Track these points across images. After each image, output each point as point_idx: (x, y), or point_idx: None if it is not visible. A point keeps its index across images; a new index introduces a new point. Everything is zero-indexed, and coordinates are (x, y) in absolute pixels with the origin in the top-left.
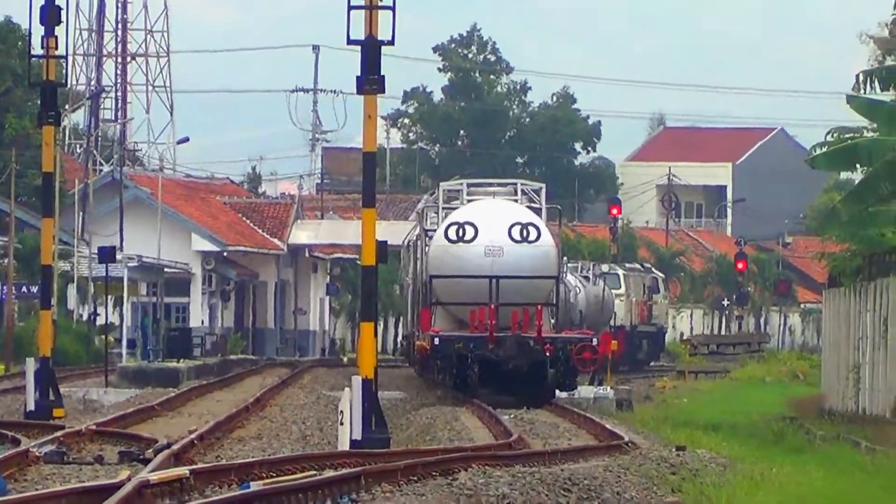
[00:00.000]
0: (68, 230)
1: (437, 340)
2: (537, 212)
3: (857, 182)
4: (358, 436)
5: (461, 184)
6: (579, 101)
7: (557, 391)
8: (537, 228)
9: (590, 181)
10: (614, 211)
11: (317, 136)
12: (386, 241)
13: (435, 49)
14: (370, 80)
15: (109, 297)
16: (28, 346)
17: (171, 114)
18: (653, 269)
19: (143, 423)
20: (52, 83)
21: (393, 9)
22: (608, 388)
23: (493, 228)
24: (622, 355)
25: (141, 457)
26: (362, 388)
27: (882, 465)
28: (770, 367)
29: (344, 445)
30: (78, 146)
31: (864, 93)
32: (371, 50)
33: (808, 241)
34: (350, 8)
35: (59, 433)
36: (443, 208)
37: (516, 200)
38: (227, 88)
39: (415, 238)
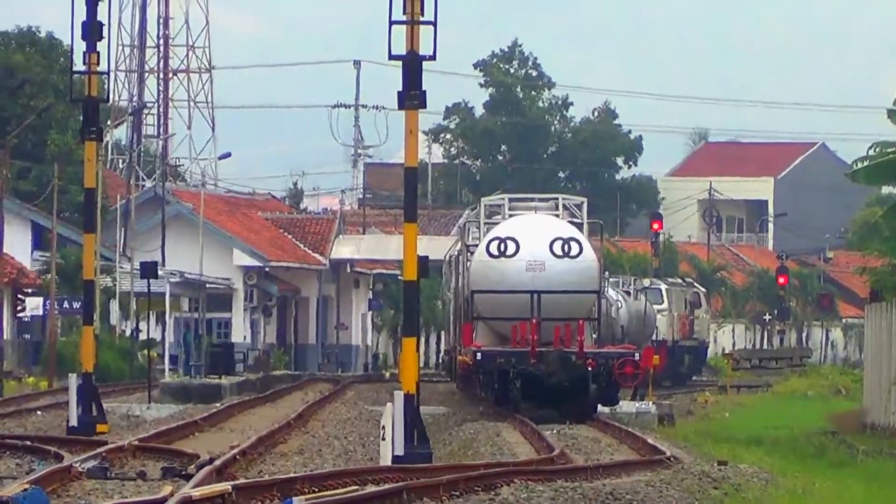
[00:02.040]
0: (110, 246)
1: (479, 355)
2: (579, 227)
3: None
4: (400, 451)
5: (503, 199)
6: (620, 116)
7: (599, 406)
8: (579, 243)
9: (631, 196)
10: (655, 226)
11: (358, 151)
12: (427, 256)
13: (476, 64)
14: (411, 96)
15: (151, 312)
16: (70, 362)
17: (213, 129)
18: (694, 284)
19: (186, 439)
20: (94, 99)
21: (434, 24)
22: (650, 402)
23: (535, 243)
24: (664, 370)
25: (183, 472)
26: (404, 403)
27: None
28: (812, 381)
29: (386, 460)
30: (120, 162)
31: None
32: (412, 65)
33: (850, 256)
34: (391, 23)
35: (101, 449)
36: (484, 223)
37: (558, 215)
38: (269, 104)
39: (456, 253)
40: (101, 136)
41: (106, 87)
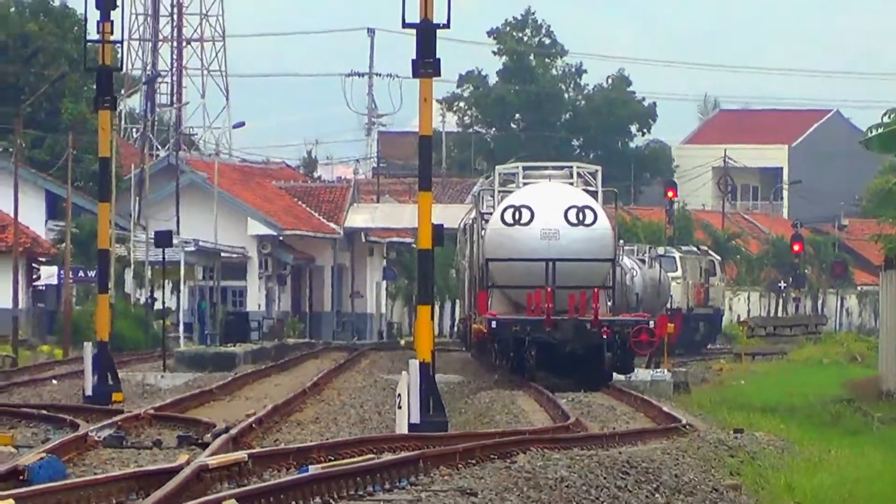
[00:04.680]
0: (125, 215)
1: (494, 324)
2: (593, 195)
3: None
4: (416, 419)
5: (517, 167)
6: (634, 84)
7: (614, 374)
8: (593, 211)
9: (645, 164)
10: (670, 193)
11: (372, 119)
12: (442, 225)
13: (489, 32)
14: (425, 64)
15: (166, 281)
16: (86, 331)
17: (227, 98)
18: (709, 252)
19: (201, 408)
20: (108, 68)
21: None
22: (665, 370)
23: (550, 211)
24: (679, 338)
25: (199, 441)
26: (420, 372)
27: None
28: (827, 348)
29: (402, 429)
30: (134, 131)
31: None
32: (426, 33)
33: (865, 223)
34: None
35: (117, 417)
36: (499, 191)
37: (572, 183)
38: (283, 72)
39: (471, 221)
40: (115, 105)
41: (119, 55)
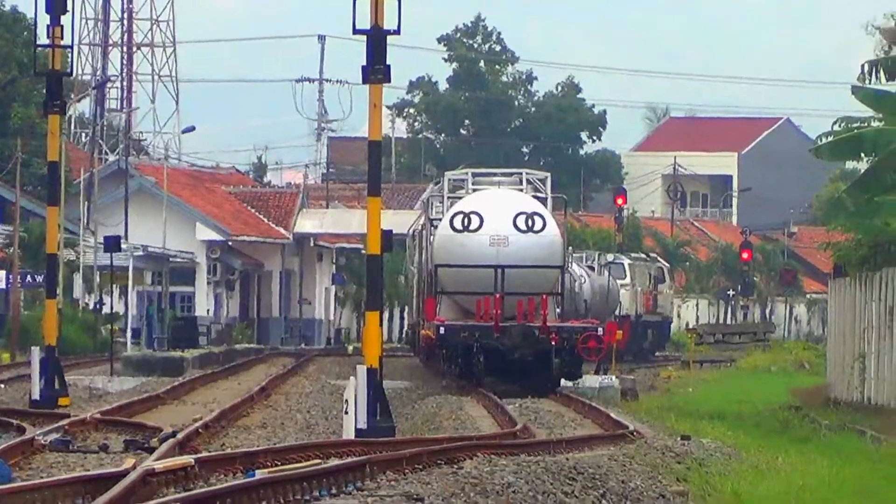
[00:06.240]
0: (74, 219)
1: (442, 329)
2: (542, 201)
3: (862, 172)
4: (363, 425)
5: (466, 173)
6: (584, 91)
7: (562, 380)
8: (542, 218)
9: (595, 171)
10: (620, 201)
11: (322, 125)
12: (391, 231)
13: (440, 39)
14: (376, 70)
15: (115, 286)
16: (34, 335)
17: (177, 103)
18: (658, 259)
19: (148, 412)
20: (58, 72)
21: None
22: (613, 377)
23: (499, 218)
24: (627, 345)
25: (146, 445)
26: (367, 377)
27: (887, 454)
28: (775, 356)
29: (349, 434)
30: (83, 135)
31: (870, 83)
32: (377, 39)
33: (814, 231)
34: None
35: (64, 421)
36: (448, 198)
37: (521, 190)
38: (233, 78)
39: (420, 227)
40: (65, 110)
41: (70, 60)
